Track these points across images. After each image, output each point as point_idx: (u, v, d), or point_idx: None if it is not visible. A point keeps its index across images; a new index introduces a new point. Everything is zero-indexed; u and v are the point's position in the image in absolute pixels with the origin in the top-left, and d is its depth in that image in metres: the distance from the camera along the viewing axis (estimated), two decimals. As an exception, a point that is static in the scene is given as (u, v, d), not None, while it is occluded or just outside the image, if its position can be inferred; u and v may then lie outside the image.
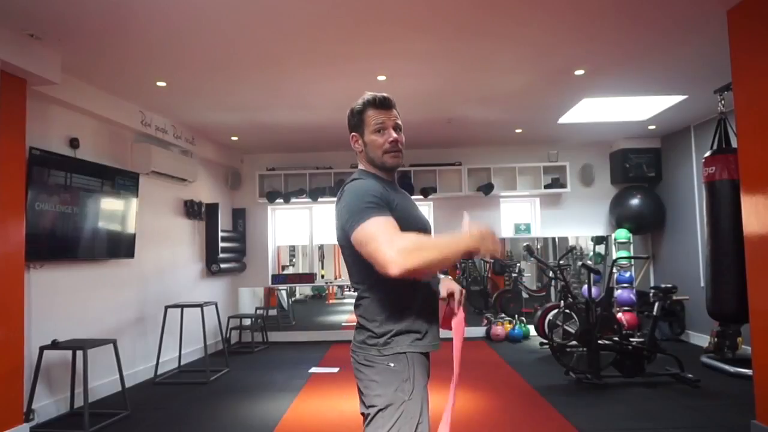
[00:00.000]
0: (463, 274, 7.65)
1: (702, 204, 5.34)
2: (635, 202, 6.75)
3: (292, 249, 8.16)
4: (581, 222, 7.22)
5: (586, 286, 5.16)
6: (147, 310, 5.22)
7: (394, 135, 1.60)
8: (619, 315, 6.34)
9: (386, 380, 1.47)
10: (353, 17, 3.23)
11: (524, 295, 7.40)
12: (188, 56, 3.79)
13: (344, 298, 8.57)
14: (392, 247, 1.32)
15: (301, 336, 7.27)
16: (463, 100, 5.08)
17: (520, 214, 7.48)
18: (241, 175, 7.37)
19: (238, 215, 7.33)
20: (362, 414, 1.54)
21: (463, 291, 1.69)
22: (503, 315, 7.12)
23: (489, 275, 7.64)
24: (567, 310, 5.65)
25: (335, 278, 8.05)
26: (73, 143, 4.24)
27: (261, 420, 3.83)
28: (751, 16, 3.04)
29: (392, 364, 1.48)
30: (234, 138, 6.42)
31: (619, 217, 6.87)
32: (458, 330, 1.60)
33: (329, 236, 7.42)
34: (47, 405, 3.88)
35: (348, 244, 1.49)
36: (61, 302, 4.09)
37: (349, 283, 7.33)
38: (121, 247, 4.74)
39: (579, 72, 4.31)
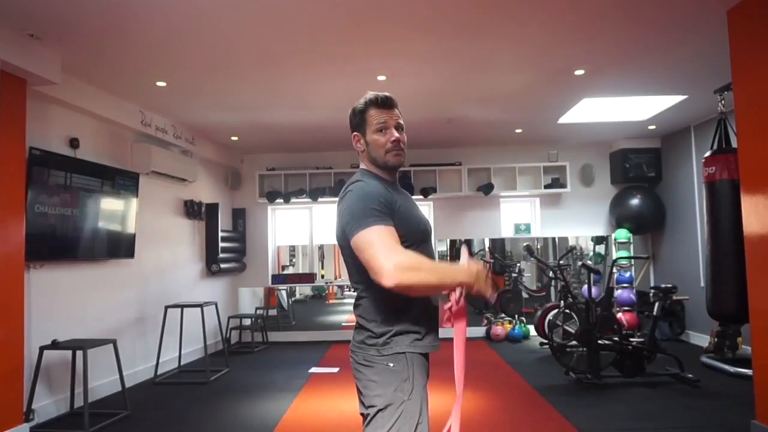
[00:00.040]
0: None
1: (702, 204, 5.35)
2: (635, 202, 6.75)
3: (292, 249, 8.16)
4: (581, 222, 7.22)
5: (586, 286, 5.16)
6: (147, 310, 5.22)
7: (396, 134, 1.60)
8: (619, 315, 6.34)
9: (385, 380, 1.47)
10: (353, 17, 3.23)
11: (524, 295, 7.40)
12: (188, 56, 3.79)
13: (344, 298, 8.57)
14: (390, 260, 1.34)
15: (301, 336, 7.27)
16: (463, 100, 5.08)
17: (520, 214, 7.48)
18: (241, 175, 7.37)
19: (238, 215, 7.33)
20: (361, 414, 1.54)
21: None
22: (503, 315, 7.12)
23: (489, 275, 7.63)
24: (567, 310, 5.65)
25: (335, 278, 8.05)
26: (73, 143, 4.24)
27: (261, 420, 3.83)
28: (751, 16, 3.04)
29: (391, 364, 1.48)
30: (234, 138, 6.42)
31: (619, 217, 6.87)
32: (459, 329, 1.56)
33: (329, 236, 7.42)
34: (47, 405, 3.88)
35: (347, 245, 1.49)
36: (61, 302, 4.09)
37: (348, 283, 7.32)
38: (121, 247, 4.74)
39: (579, 72, 4.31)
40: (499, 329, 6.82)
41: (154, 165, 5.12)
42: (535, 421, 3.69)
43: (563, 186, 7.04)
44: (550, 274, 6.77)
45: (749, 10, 3.04)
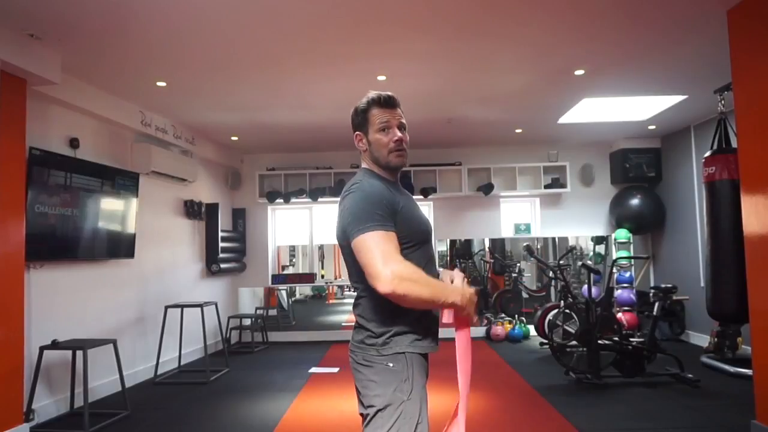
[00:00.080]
0: (463, 273, 7.65)
1: (702, 204, 5.35)
2: (635, 202, 6.75)
3: (292, 249, 8.16)
4: (581, 222, 7.22)
5: (586, 286, 5.16)
6: (147, 310, 5.22)
7: (399, 134, 1.60)
8: (619, 315, 6.34)
9: (385, 380, 1.47)
10: (353, 17, 3.23)
11: (524, 295, 7.40)
12: (188, 56, 3.79)
13: (344, 298, 8.58)
14: (388, 267, 1.35)
15: (301, 336, 7.27)
16: (463, 100, 5.08)
17: (520, 214, 7.48)
18: (241, 175, 7.36)
19: (238, 215, 7.33)
20: (361, 414, 1.54)
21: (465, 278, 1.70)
22: (503, 315, 7.12)
23: (489, 275, 7.65)
24: (567, 310, 5.65)
25: (335, 278, 8.05)
26: (73, 143, 4.24)
27: (261, 420, 3.83)
28: (751, 16, 3.04)
29: (391, 364, 1.47)
30: (234, 138, 6.42)
31: (619, 217, 6.87)
32: (461, 340, 1.54)
33: (329, 236, 7.42)
34: (47, 405, 3.88)
35: (348, 245, 1.50)
36: (61, 302, 4.09)
37: (348, 283, 7.33)
38: (121, 247, 4.74)
39: (579, 72, 4.31)
40: (499, 329, 6.82)
41: (154, 165, 5.12)
42: (535, 421, 3.69)
43: (563, 186, 7.04)
44: (550, 274, 6.78)
45: (749, 10, 3.04)
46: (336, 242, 1.63)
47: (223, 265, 6.58)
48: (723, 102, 4.36)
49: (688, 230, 6.23)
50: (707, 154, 4.19)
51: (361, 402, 1.54)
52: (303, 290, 8.39)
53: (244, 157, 7.39)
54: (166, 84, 4.36)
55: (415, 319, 1.51)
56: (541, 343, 6.24)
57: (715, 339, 5.23)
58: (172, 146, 5.65)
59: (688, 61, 4.10)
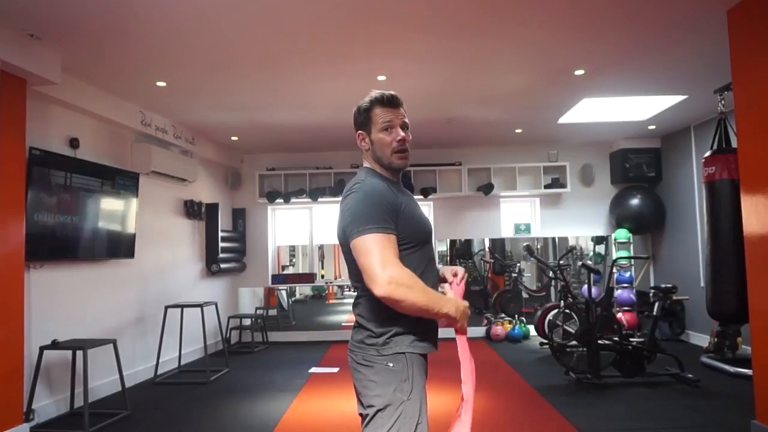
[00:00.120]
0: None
1: (702, 204, 5.34)
2: (635, 202, 6.75)
3: (292, 249, 8.16)
4: (581, 222, 7.22)
5: (586, 286, 5.16)
6: (147, 310, 5.22)
7: (402, 133, 1.60)
8: (619, 315, 6.34)
9: (385, 380, 1.46)
10: (353, 17, 3.23)
11: (524, 295, 7.40)
12: (188, 56, 3.79)
13: (344, 298, 8.58)
14: (386, 271, 1.36)
15: (301, 336, 7.27)
16: (463, 100, 5.08)
17: (520, 214, 7.48)
18: (241, 175, 7.36)
19: (238, 215, 7.33)
20: (360, 414, 1.54)
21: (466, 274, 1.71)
22: (503, 315, 7.12)
23: (489, 275, 7.65)
24: (567, 310, 5.65)
25: (335, 278, 8.05)
26: (73, 143, 4.24)
27: (261, 420, 3.83)
28: (751, 16, 3.04)
29: (391, 364, 1.47)
30: (234, 138, 6.42)
31: (619, 217, 6.87)
32: (461, 341, 1.56)
33: (329, 236, 7.42)
34: (47, 405, 3.88)
35: (348, 245, 1.50)
36: (61, 302, 4.09)
37: (348, 283, 7.35)
38: (121, 247, 4.74)
39: (579, 72, 4.31)
40: (499, 329, 6.82)
41: (154, 165, 5.12)
42: (535, 421, 3.69)
43: (563, 186, 7.04)
44: (550, 274, 6.78)
45: (749, 10, 3.04)
46: (336, 242, 1.63)
47: (223, 265, 6.58)
48: (723, 102, 4.36)
49: (688, 230, 6.23)
50: (707, 154, 4.19)
51: (360, 402, 1.54)
52: (303, 290, 8.39)
53: (244, 157, 7.39)
54: (166, 84, 4.36)
55: (415, 319, 1.51)
56: (541, 343, 6.24)
57: (715, 339, 5.23)
58: (172, 146, 5.65)
59: (688, 61, 4.10)
